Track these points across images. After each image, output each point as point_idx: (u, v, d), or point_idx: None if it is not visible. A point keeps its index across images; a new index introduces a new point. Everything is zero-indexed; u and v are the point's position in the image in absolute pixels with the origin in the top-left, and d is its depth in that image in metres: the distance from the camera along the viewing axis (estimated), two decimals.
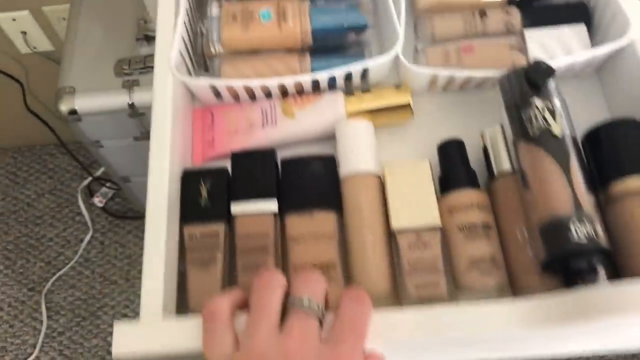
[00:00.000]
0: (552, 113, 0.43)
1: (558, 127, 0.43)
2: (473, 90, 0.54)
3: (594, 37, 0.53)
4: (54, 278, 1.35)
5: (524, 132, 0.44)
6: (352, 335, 0.35)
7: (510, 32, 0.53)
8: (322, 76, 0.50)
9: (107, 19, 0.99)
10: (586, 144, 0.47)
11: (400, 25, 0.50)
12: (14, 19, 1.19)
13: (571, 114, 0.47)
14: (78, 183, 1.43)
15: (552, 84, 0.45)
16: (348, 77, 0.51)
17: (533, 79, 0.44)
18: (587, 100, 0.54)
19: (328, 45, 0.52)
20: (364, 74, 0.52)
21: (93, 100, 0.93)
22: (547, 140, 0.43)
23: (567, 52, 0.51)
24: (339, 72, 0.50)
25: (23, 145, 1.49)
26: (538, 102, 0.44)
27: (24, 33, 1.22)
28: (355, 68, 0.50)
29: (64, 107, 0.93)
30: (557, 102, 0.44)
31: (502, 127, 0.48)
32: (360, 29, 0.51)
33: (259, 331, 0.34)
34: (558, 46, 0.51)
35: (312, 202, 0.47)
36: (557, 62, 0.50)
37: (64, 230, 1.41)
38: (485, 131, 0.49)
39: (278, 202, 0.47)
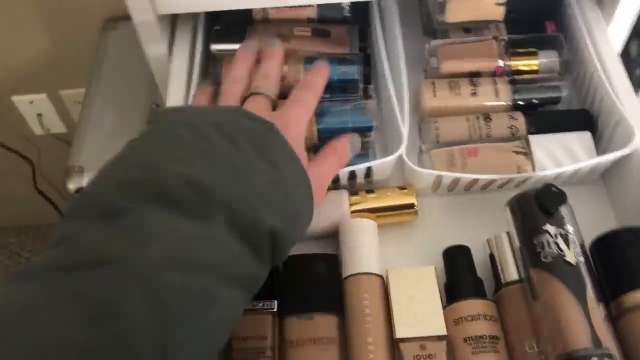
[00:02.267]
0: (566, 239, 0.43)
1: (572, 254, 0.42)
2: (477, 193, 0.54)
3: (599, 144, 0.53)
4: None
5: (536, 258, 0.43)
6: (296, 105, 0.44)
7: (515, 136, 0.54)
8: None
9: (120, 103, 1.01)
10: (594, 252, 0.46)
11: (404, 127, 0.50)
12: (31, 102, 1.22)
13: (577, 221, 0.47)
14: None
15: (564, 209, 0.45)
16: (352, 176, 0.52)
17: (545, 205, 0.44)
18: (593, 206, 0.53)
19: None
20: (368, 173, 0.52)
21: None
22: (561, 268, 0.42)
23: (572, 159, 0.51)
24: (342, 171, 0.50)
25: (28, 224, 1.48)
26: (550, 228, 0.43)
27: (40, 115, 1.25)
28: (359, 168, 0.50)
29: (71, 186, 0.94)
30: (570, 227, 0.44)
31: (508, 234, 0.47)
32: (365, 129, 0.52)
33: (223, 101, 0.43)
34: (563, 152, 0.51)
35: (313, 304, 0.46)
36: (563, 169, 0.50)
37: None
38: (492, 238, 0.48)
39: (277, 301, 0.46)
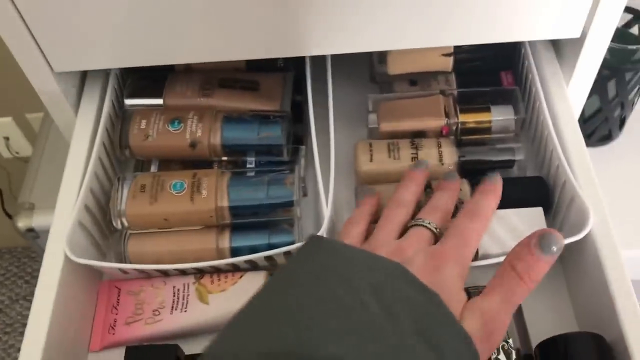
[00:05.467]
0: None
1: None
2: None
3: (555, 220, 0.47)
4: None
5: None
6: (456, 238, 0.38)
7: (458, 209, 0.47)
8: (239, 260, 0.44)
9: None
10: (538, 354, 0.40)
11: (327, 205, 0.44)
12: None
13: (526, 314, 0.41)
14: None
15: None
16: (270, 256, 0.46)
17: None
18: (547, 293, 0.46)
19: (251, 220, 0.47)
20: (289, 253, 0.46)
21: (52, 218, 0.89)
22: None
23: (518, 239, 0.44)
24: (257, 256, 0.44)
25: (4, 247, 1.45)
26: None
27: (7, 139, 1.21)
28: (276, 253, 0.44)
29: (21, 224, 0.90)
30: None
31: None
32: (285, 205, 0.46)
33: (382, 233, 0.41)
34: (508, 233, 0.44)
35: None
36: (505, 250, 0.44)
37: None
38: None
39: None
